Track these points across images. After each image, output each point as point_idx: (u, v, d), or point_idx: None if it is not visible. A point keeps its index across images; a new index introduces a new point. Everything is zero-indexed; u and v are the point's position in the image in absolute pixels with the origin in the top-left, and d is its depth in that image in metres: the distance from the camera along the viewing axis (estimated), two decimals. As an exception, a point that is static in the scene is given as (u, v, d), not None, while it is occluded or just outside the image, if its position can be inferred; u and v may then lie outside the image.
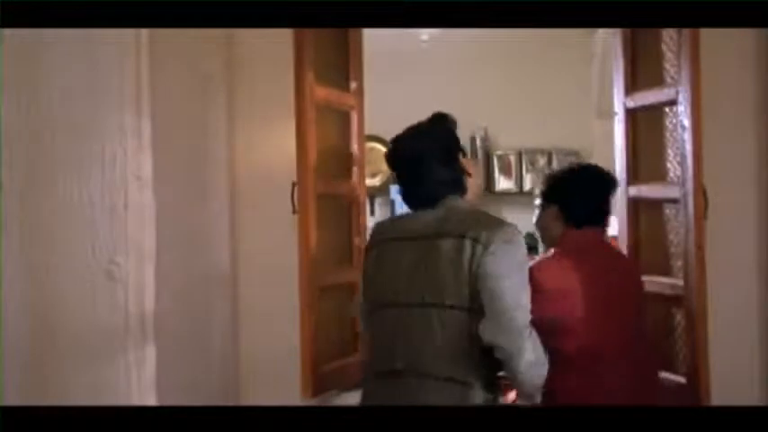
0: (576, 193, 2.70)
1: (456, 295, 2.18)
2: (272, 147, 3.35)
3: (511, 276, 2.17)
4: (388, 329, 2.30)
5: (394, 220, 2.58)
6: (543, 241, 2.82)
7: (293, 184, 2.95)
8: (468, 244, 2.17)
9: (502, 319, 2.14)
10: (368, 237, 2.57)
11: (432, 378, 2.19)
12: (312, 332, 2.92)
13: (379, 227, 2.52)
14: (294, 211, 2.95)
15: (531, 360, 2.16)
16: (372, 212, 6.20)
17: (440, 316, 2.19)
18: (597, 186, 2.74)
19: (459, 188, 2.37)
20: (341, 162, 3.25)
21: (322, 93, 3.04)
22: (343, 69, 3.27)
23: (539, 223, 2.80)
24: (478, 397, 2.19)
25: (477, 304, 2.17)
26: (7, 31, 2.08)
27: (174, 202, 2.88)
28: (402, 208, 2.50)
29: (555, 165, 6.53)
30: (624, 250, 3.22)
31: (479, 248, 2.16)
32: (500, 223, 2.24)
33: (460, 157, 2.41)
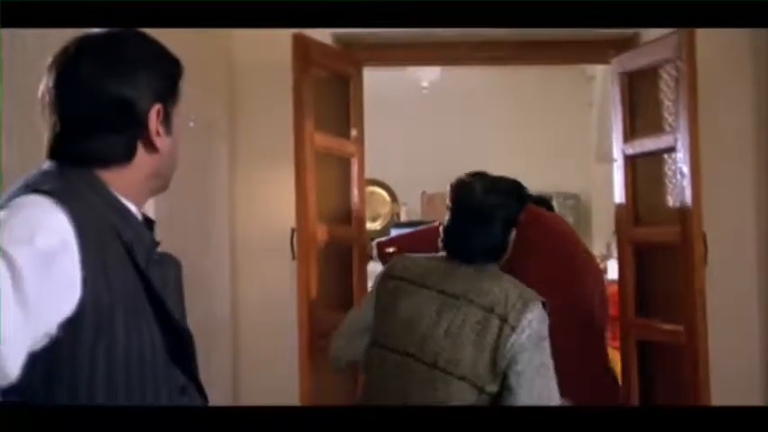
0: None
1: (470, 369, 2.12)
2: (273, 194, 3.37)
3: (539, 373, 2.12)
4: (386, 374, 2.24)
5: (425, 260, 2.42)
6: None
7: (292, 231, 2.95)
8: (495, 323, 2.12)
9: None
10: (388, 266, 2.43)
11: None
12: (311, 380, 2.91)
13: (406, 261, 2.41)
14: (293, 258, 2.95)
15: None
16: (373, 257, 6.20)
17: (446, 384, 2.12)
18: None
19: (499, 258, 2.32)
20: (341, 208, 3.27)
21: (322, 140, 3.07)
22: (344, 117, 3.30)
23: None
24: None
25: (491, 387, 2.12)
26: (6, 33, 2.09)
27: (175, 249, 2.88)
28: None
29: (556, 208, 6.58)
30: (628, 295, 3.24)
31: (507, 330, 2.11)
32: (527, 300, 2.16)
33: (512, 236, 2.34)
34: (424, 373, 2.15)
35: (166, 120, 1.34)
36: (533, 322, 2.12)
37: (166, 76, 1.36)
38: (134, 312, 1.22)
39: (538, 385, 2.11)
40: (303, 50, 2.98)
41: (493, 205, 2.29)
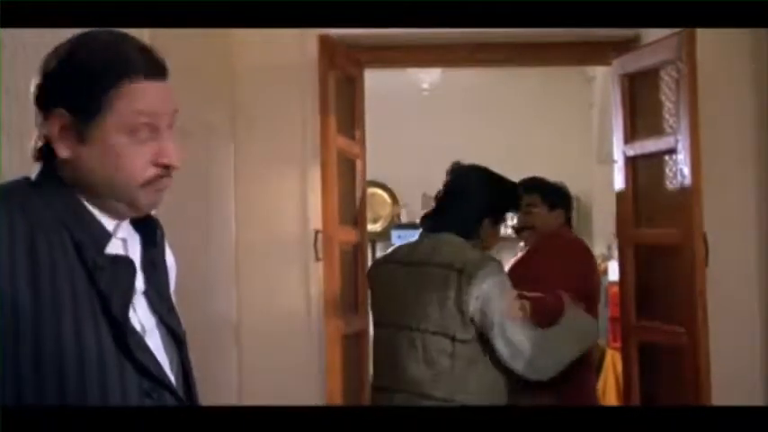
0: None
1: (439, 323, 2.34)
2: (276, 196, 3.36)
3: (509, 318, 2.33)
4: (380, 348, 2.51)
5: (400, 246, 2.69)
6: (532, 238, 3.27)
7: (315, 233, 2.95)
8: (453, 276, 2.33)
9: (507, 350, 2.32)
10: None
11: (414, 395, 2.34)
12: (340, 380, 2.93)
13: (388, 253, 2.68)
14: (317, 259, 2.96)
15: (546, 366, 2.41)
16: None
17: (423, 340, 2.36)
18: None
19: (463, 235, 2.47)
20: (346, 210, 3.26)
21: (339, 142, 3.06)
22: (349, 119, 3.30)
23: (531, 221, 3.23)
24: None
25: (463, 334, 2.33)
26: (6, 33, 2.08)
27: (179, 252, 2.88)
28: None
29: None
30: (629, 297, 3.24)
31: (464, 280, 2.31)
32: (483, 258, 2.39)
33: (487, 223, 2.53)
34: (405, 337, 2.39)
35: (80, 128, 1.25)
36: (491, 275, 2.33)
37: (81, 82, 1.26)
38: (75, 315, 1.19)
39: (510, 331, 2.31)
40: (330, 51, 2.98)
41: (462, 190, 2.53)
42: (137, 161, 1.27)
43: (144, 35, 2.47)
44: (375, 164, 3.57)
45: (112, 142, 1.26)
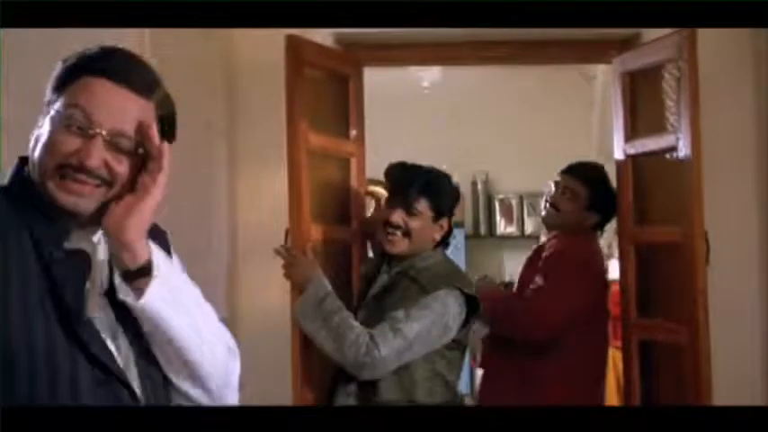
0: None
1: None
2: (273, 194, 3.35)
3: None
4: None
5: None
6: (552, 220, 3.28)
7: (286, 231, 2.94)
8: None
9: None
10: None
11: None
12: (305, 382, 2.91)
13: None
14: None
15: None
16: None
17: None
18: None
19: None
20: (341, 208, 3.25)
21: (320, 140, 3.05)
22: (344, 117, 3.28)
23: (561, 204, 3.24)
24: None
25: None
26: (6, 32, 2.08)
27: (177, 251, 2.88)
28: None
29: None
30: (630, 295, 3.24)
31: None
32: None
33: None
34: None
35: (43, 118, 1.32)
36: None
37: (58, 75, 1.33)
38: (31, 308, 1.21)
39: None
40: (296, 51, 2.97)
41: None
42: (56, 148, 1.27)
43: (144, 35, 2.48)
44: (375, 162, 3.56)
45: (46, 128, 1.29)
